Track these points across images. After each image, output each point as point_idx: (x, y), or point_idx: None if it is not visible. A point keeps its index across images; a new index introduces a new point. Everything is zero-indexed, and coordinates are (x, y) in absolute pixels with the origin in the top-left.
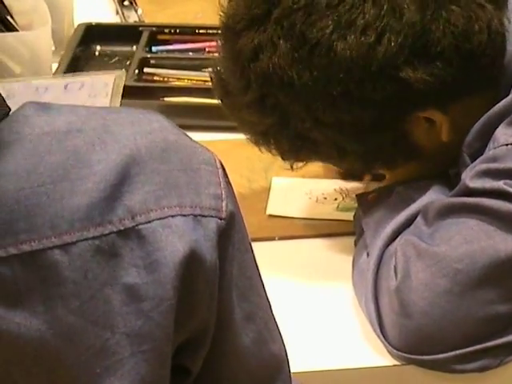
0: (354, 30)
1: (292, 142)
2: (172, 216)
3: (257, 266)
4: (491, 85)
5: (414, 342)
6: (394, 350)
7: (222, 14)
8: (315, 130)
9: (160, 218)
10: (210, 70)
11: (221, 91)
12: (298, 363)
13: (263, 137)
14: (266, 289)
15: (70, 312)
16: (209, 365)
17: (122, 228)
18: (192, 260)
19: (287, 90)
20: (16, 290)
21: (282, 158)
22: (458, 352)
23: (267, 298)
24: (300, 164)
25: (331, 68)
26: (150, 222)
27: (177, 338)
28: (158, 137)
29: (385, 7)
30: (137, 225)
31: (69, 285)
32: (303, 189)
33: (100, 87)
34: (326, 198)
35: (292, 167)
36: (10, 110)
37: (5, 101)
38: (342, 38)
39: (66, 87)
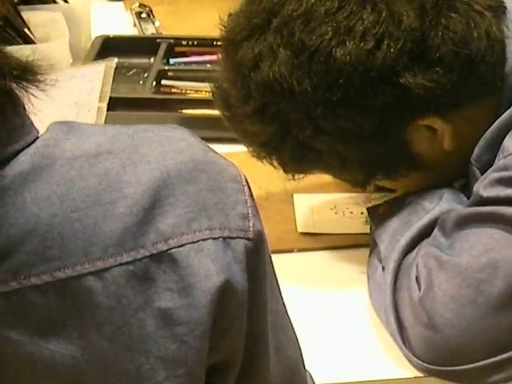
0: (353, 36)
1: (293, 151)
2: (203, 240)
3: (275, 273)
4: (492, 93)
5: (441, 354)
6: (419, 362)
7: (222, 28)
8: (316, 139)
9: (192, 242)
10: (212, 85)
11: (222, 104)
12: (318, 376)
13: (265, 148)
14: (285, 301)
15: (104, 338)
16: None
17: (155, 252)
18: (226, 284)
19: (287, 97)
20: (50, 317)
21: (284, 170)
22: (483, 363)
23: (283, 303)
24: (301, 175)
25: (331, 74)
26: (182, 245)
27: (209, 360)
28: (186, 156)
29: (383, 14)
30: (170, 248)
31: (103, 311)
32: (327, 204)
33: (91, 75)
34: (352, 213)
35: (294, 178)
36: (38, 133)
37: (33, 124)
38: (342, 44)
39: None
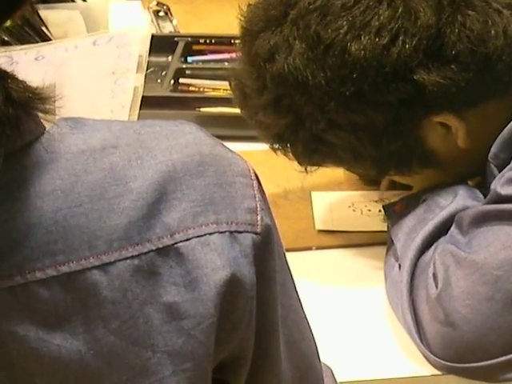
0: (368, 31)
1: (306, 144)
2: (210, 233)
3: (289, 268)
4: (508, 91)
5: (458, 350)
6: (437, 359)
7: (241, 18)
8: (329, 132)
9: (198, 236)
10: (231, 75)
11: (239, 95)
12: (335, 373)
13: (279, 139)
14: (302, 299)
15: (110, 332)
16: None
17: (161, 246)
18: (232, 278)
19: (301, 90)
20: (55, 311)
21: (299, 162)
22: (500, 359)
23: (298, 298)
24: (314, 168)
25: (345, 68)
26: (188, 239)
27: (218, 356)
28: (193, 150)
29: (400, 10)
30: (176, 243)
31: (108, 305)
32: (345, 202)
33: (128, 38)
34: (370, 210)
35: (306, 171)
36: (45, 128)
37: (40, 120)
38: (357, 39)
39: (94, 43)
